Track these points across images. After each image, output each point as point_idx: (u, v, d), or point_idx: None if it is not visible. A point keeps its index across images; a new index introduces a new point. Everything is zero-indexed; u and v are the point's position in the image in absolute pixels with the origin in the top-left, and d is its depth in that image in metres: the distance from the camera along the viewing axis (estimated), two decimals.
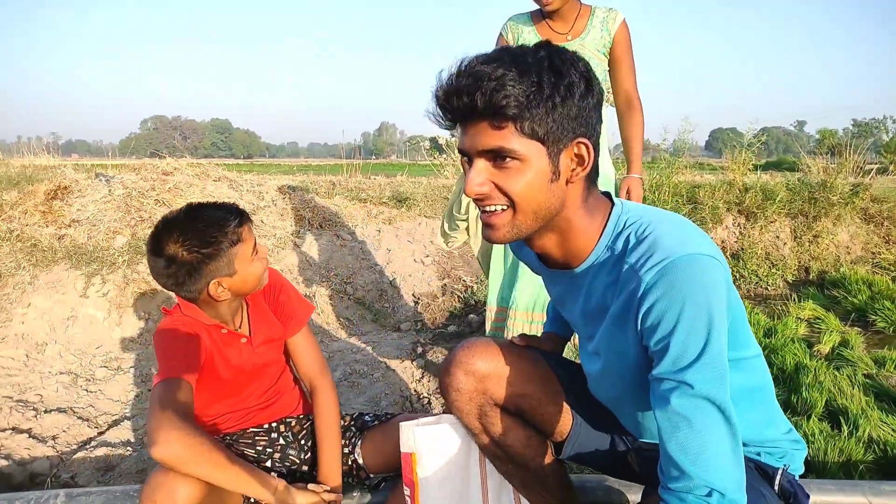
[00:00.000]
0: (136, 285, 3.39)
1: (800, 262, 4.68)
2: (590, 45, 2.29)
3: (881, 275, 4.43)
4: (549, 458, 1.36)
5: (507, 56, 0.94)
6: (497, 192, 0.99)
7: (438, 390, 1.37)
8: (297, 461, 1.63)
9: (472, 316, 3.59)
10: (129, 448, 2.21)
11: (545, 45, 0.98)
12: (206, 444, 1.26)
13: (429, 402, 2.62)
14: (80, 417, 2.43)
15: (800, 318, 3.62)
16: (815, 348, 3.07)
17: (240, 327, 1.60)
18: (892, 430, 2.06)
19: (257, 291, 1.61)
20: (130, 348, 3.11)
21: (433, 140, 9.63)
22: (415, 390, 2.74)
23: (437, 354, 3.15)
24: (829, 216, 4.79)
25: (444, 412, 1.47)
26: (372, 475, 1.64)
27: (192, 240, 1.40)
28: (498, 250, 2.43)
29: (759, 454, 1.13)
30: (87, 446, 2.21)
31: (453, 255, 4.26)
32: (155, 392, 1.33)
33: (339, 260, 4.06)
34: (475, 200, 1.01)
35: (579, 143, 0.97)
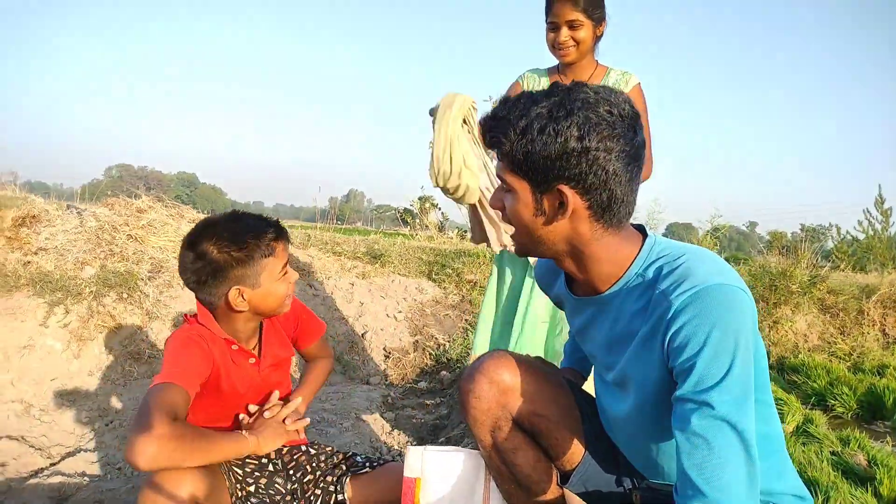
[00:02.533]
0: (100, 318, 3.28)
1: None
2: None
3: (837, 363, 4.57)
4: (553, 487, 1.34)
5: (524, 98, 1.05)
6: (506, 212, 1.12)
7: (458, 400, 1.35)
8: (283, 491, 1.57)
9: (443, 373, 3.55)
10: (85, 478, 2.08)
11: (570, 88, 1.04)
12: (184, 441, 1.24)
13: (399, 454, 2.55)
14: (32, 446, 2.29)
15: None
16: (782, 426, 3.12)
17: (253, 348, 1.59)
18: (862, 503, 2.09)
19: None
20: (88, 382, 2.97)
21: (406, 210, 9.79)
22: (385, 442, 2.67)
23: (408, 409, 3.09)
24: (789, 304, 4.97)
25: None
26: None
27: (226, 241, 1.41)
28: (490, 298, 2.43)
29: None
30: (40, 475, 2.08)
31: (425, 313, 4.26)
32: (148, 393, 1.29)
33: (311, 310, 4.01)
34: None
35: (559, 188, 1.03)
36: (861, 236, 9.88)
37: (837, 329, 5.02)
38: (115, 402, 2.88)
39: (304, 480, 1.60)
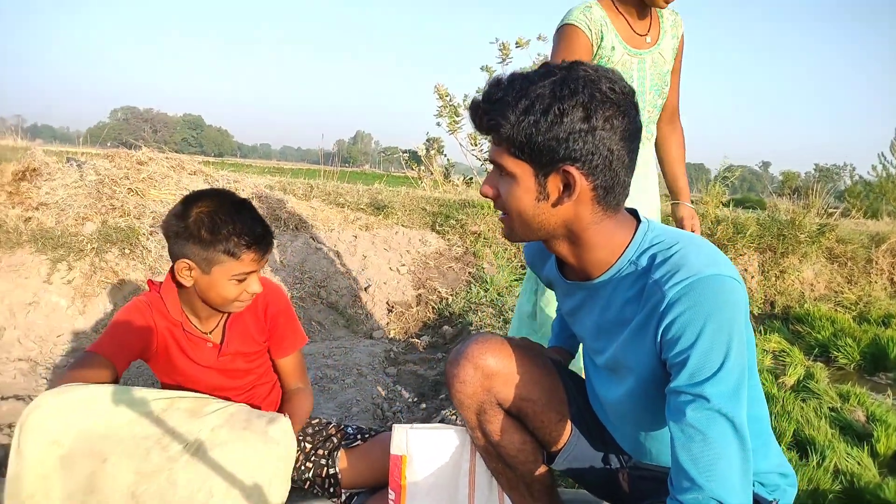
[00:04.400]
0: (103, 274, 3.29)
1: (766, 296, 4.79)
2: (666, 53, 2.00)
3: (843, 313, 4.56)
4: (540, 466, 1.35)
5: (519, 78, 1.01)
6: (500, 199, 1.08)
7: (445, 382, 1.35)
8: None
9: (445, 327, 3.57)
10: None
11: (569, 67, 1.00)
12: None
13: (401, 412, 2.59)
14: None
15: (766, 349, 3.69)
16: (781, 380, 3.13)
17: (210, 332, 1.57)
18: (858, 462, 2.10)
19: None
20: (93, 338, 3.00)
21: (412, 153, 9.66)
22: (387, 398, 2.70)
23: (410, 364, 3.11)
24: (796, 253, 4.92)
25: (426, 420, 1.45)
26: (344, 490, 1.61)
27: (208, 217, 1.40)
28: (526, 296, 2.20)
29: (753, 485, 1.14)
30: None
31: (429, 266, 4.25)
32: (75, 359, 1.41)
33: (313, 263, 4.00)
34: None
35: (565, 170, 1.00)
36: (875, 180, 9.71)
37: (845, 278, 4.98)
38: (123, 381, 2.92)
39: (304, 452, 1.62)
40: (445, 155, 9.39)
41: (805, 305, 4.64)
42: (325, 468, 1.59)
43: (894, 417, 2.54)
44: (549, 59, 1.88)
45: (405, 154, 10.00)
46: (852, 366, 3.61)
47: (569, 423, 1.32)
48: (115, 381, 1.41)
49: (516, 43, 7.71)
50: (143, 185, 4.01)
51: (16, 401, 2.34)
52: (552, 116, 0.96)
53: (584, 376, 1.38)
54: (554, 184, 1.02)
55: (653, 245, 1.06)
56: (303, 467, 1.59)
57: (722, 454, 0.92)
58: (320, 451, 1.61)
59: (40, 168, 3.94)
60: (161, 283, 1.55)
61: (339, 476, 1.58)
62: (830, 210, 5.94)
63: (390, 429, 1.44)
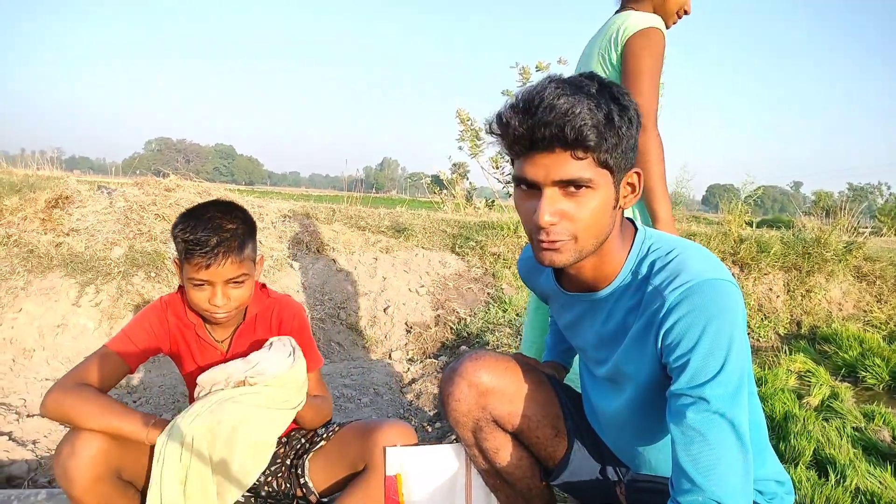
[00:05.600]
0: (129, 297, 3.39)
1: (792, 316, 4.70)
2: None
3: (872, 333, 4.45)
4: (537, 482, 1.35)
5: (570, 87, 0.95)
6: (563, 221, 0.99)
7: (439, 401, 1.35)
8: (258, 483, 1.59)
9: (463, 347, 3.58)
10: None
11: (591, 77, 0.99)
12: (70, 401, 1.33)
13: (417, 431, 2.60)
14: (62, 424, 2.40)
15: (790, 370, 3.61)
16: (805, 400, 3.06)
17: (223, 341, 1.60)
18: (880, 482, 2.05)
19: (258, 318, 1.61)
20: None
21: (435, 177, 9.75)
22: (402, 417, 2.72)
23: (426, 384, 3.13)
24: (823, 272, 4.83)
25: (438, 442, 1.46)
26: (324, 499, 1.57)
27: (179, 219, 1.46)
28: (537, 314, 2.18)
29: None
30: None
31: (448, 287, 4.27)
32: (90, 355, 1.46)
33: (334, 284, 4.06)
34: (537, 230, 1.01)
35: (636, 171, 1.03)
36: None
37: (874, 297, 4.87)
38: (143, 380, 2.99)
39: (272, 469, 1.60)
40: (469, 179, 9.47)
41: (833, 325, 4.54)
42: (299, 478, 1.56)
43: None
44: (634, 67, 1.80)
45: (428, 178, 10.10)
46: (881, 386, 3.52)
47: (565, 437, 1.31)
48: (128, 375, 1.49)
49: (536, 67, 7.80)
50: (170, 210, 4.13)
51: (40, 419, 2.41)
52: (628, 120, 0.97)
53: (579, 390, 1.37)
54: (624, 188, 1.03)
55: (651, 252, 1.07)
56: (283, 479, 1.58)
57: (722, 456, 0.92)
58: (288, 462, 1.60)
59: (72, 196, 4.09)
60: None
61: (313, 485, 1.55)
62: (861, 229, 5.82)
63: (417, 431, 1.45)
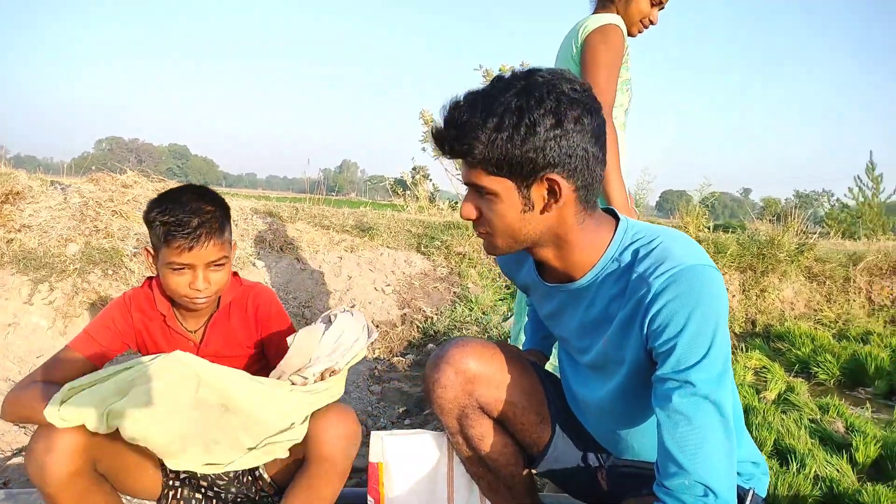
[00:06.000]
0: (85, 295, 3.27)
1: (747, 315, 4.84)
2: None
3: (823, 331, 4.61)
4: (521, 469, 1.35)
5: (480, 97, 1.00)
6: (482, 218, 1.07)
7: (424, 388, 1.33)
8: (225, 479, 1.53)
9: (430, 346, 3.57)
10: None
11: (526, 75, 1.01)
12: (24, 400, 1.31)
13: (385, 428, 2.58)
14: (16, 425, 2.30)
15: (747, 366, 3.72)
16: (763, 394, 3.16)
17: (195, 331, 1.55)
18: (837, 469, 2.12)
19: (233, 306, 1.56)
20: None
21: (398, 179, 9.72)
22: (371, 415, 2.70)
23: (394, 382, 3.11)
24: (776, 272, 4.99)
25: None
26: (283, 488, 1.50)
27: (154, 202, 1.42)
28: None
29: None
30: (23, 453, 2.09)
31: (414, 286, 4.26)
32: (53, 356, 1.44)
33: (298, 284, 4.01)
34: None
35: (548, 178, 1.01)
36: (852, 203, 9.89)
37: (824, 297, 5.06)
38: None
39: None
40: (431, 180, 9.47)
41: (786, 323, 4.70)
42: (252, 471, 1.51)
43: (873, 428, 2.57)
44: (591, 60, 1.91)
45: (391, 180, 10.06)
46: (832, 381, 3.65)
47: (549, 424, 1.32)
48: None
49: (500, 70, 7.86)
50: (128, 207, 4.01)
51: None
52: (524, 128, 0.96)
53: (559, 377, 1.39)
54: (538, 193, 1.02)
55: (634, 241, 1.08)
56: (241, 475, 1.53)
57: (707, 438, 0.94)
58: None
59: (24, 191, 3.93)
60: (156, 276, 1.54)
61: (269, 477, 1.50)
62: (810, 233, 6.04)
63: (385, 429, 1.43)
